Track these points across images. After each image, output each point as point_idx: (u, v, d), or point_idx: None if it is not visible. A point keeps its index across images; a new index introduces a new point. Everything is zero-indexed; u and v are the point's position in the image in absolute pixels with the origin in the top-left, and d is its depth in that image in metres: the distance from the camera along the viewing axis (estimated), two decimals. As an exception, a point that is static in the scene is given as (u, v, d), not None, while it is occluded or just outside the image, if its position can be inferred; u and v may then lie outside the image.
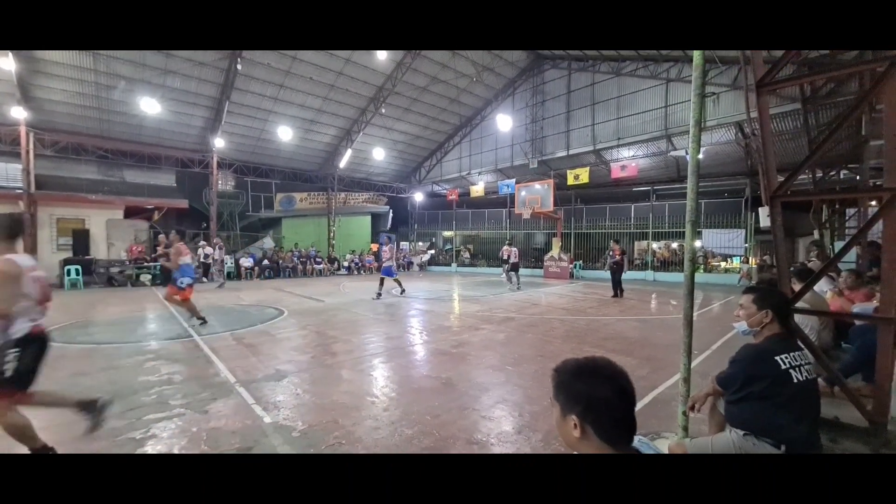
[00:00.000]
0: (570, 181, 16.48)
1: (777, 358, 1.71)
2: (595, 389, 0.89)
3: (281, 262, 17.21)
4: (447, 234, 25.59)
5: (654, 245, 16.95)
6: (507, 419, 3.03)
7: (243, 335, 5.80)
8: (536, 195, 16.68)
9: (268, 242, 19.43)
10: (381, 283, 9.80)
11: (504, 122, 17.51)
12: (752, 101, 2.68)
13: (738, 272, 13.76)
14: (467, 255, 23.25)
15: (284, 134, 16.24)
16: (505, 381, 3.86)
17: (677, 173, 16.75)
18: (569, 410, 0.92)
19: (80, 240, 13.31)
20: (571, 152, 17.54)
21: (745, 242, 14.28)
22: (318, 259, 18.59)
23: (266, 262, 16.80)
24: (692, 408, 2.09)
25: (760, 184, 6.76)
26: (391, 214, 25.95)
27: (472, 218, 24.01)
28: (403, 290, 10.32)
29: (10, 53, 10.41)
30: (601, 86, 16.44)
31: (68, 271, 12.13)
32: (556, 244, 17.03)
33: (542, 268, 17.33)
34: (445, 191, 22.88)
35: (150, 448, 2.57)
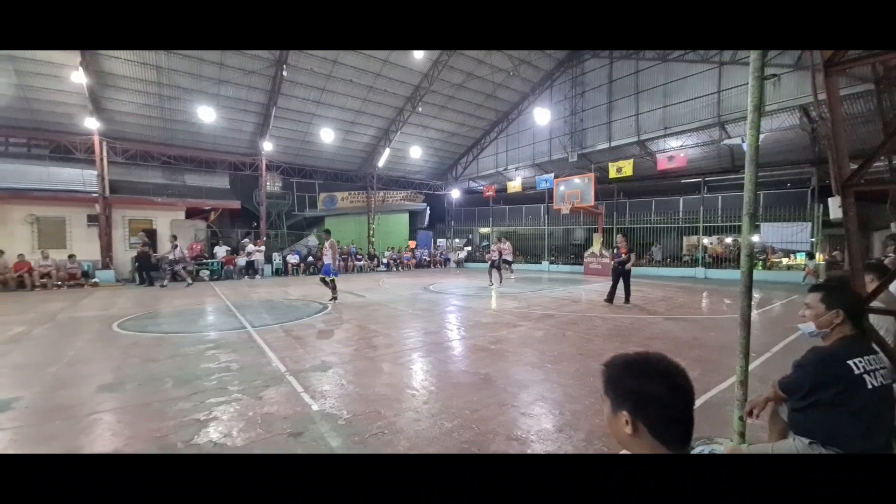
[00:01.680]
0: (612, 174, 15.85)
1: (849, 362, 1.58)
2: (647, 385, 0.86)
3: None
4: (484, 230, 25.47)
5: (706, 240, 15.93)
6: (547, 417, 3.00)
7: (291, 327, 6.12)
8: (576, 189, 16.20)
9: (312, 240, 20.30)
10: (328, 284, 8.63)
11: (542, 115, 17.12)
12: (819, 82, 2.46)
13: (804, 269, 12.62)
14: (504, 251, 23.02)
15: (326, 136, 16.88)
16: (544, 378, 3.81)
17: (731, 163, 15.63)
18: (620, 406, 0.89)
19: (149, 238, 14.57)
20: (613, 144, 16.85)
21: (812, 237, 13.04)
22: (358, 256, 19.19)
23: (310, 258, 17.58)
24: (750, 413, 1.97)
25: (830, 172, 6.15)
26: (428, 212, 26.23)
27: (509, 214, 23.77)
28: (335, 298, 8.51)
29: (80, 68, 11.54)
30: (646, 73, 15.63)
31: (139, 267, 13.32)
32: (598, 240, 16.45)
33: (582, 264, 16.82)
34: (482, 187, 22.78)
35: (213, 429, 2.79)
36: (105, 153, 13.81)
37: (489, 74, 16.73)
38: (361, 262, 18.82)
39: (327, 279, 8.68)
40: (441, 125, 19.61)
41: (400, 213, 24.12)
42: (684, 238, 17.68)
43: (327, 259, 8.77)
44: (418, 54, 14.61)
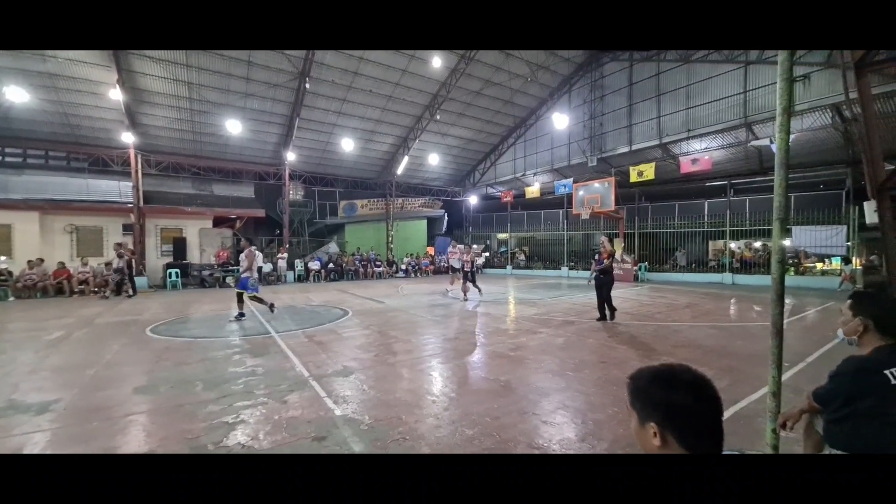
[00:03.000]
0: (634, 178, 15.56)
1: (886, 372, 1.51)
2: (674, 396, 0.86)
3: (344, 265, 18.23)
4: (502, 236, 25.37)
5: (733, 245, 15.40)
6: (568, 426, 2.96)
7: (314, 333, 6.25)
8: (596, 194, 15.97)
9: (333, 247, 20.67)
10: (240, 300, 7.56)
11: (560, 120, 17.02)
12: (850, 80, 2.38)
13: (839, 275, 12.02)
14: (523, 257, 22.87)
15: (347, 145, 17.26)
16: (565, 386, 3.76)
17: (759, 165, 15.10)
18: (647, 418, 0.89)
19: (179, 246, 15.18)
20: (634, 147, 16.56)
21: (848, 240, 12.43)
22: (377, 262, 19.42)
23: (331, 265, 17.91)
24: (783, 425, 1.90)
25: (865, 174, 5.90)
26: (446, 218, 26.32)
27: (527, 220, 23.59)
28: (242, 315, 7.46)
29: (117, 85, 12.19)
30: (667, 75, 15.35)
31: (170, 274, 13.91)
32: (619, 245, 16.16)
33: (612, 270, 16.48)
34: (500, 193, 22.73)
35: (240, 432, 2.88)
36: (140, 165, 14.50)
37: (507, 81, 16.77)
38: (380, 269, 19.03)
39: (245, 294, 7.49)
40: (459, 132, 19.74)
41: (418, 220, 24.31)
42: (710, 243, 17.15)
43: (244, 271, 7.50)
44: (436, 63, 14.80)
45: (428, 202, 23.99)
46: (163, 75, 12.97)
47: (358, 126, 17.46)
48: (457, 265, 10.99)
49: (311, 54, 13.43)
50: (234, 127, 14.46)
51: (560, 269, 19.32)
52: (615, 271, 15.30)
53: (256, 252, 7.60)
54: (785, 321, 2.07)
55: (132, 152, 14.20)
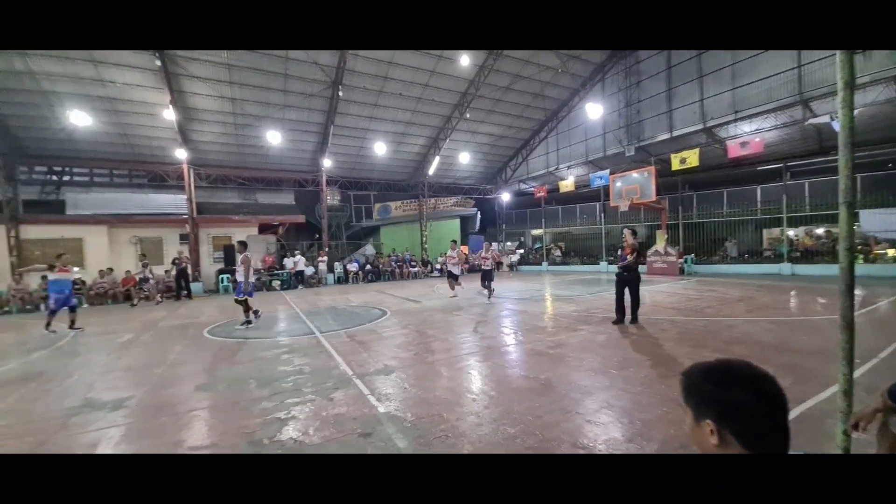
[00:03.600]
0: (676, 166, 14.77)
1: None
2: (731, 393, 0.81)
3: (381, 266, 18.66)
4: (536, 232, 24.93)
5: (790, 232, 14.24)
6: (614, 425, 2.88)
7: (355, 333, 6.45)
8: (635, 185, 15.34)
9: (369, 249, 21.23)
10: (246, 306, 7.53)
11: (594, 110, 16.48)
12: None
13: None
14: (559, 253, 22.36)
15: (379, 148, 17.64)
16: (609, 385, 3.66)
17: (818, 144, 13.90)
18: (703, 415, 0.85)
19: (229, 253, 16.15)
20: (675, 134, 15.72)
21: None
22: (412, 263, 19.70)
23: (368, 266, 18.39)
24: (855, 426, 1.75)
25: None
26: (479, 216, 26.25)
27: (562, 214, 23.05)
28: (249, 322, 7.51)
29: (170, 106, 13.13)
30: (709, 55, 14.43)
31: (221, 279, 14.86)
32: (661, 237, 15.41)
33: (644, 263, 15.80)
34: (532, 188, 22.37)
35: (292, 427, 3.04)
36: (192, 179, 15.57)
37: (536, 74, 16.46)
38: (416, 269, 19.30)
39: (239, 300, 7.52)
40: (489, 129, 19.61)
41: (451, 219, 24.41)
42: (764, 231, 15.95)
43: (239, 276, 7.48)
44: (464, 61, 14.78)
45: (460, 201, 24.03)
46: (209, 93, 13.85)
47: (389, 129, 17.79)
48: (456, 271, 10.48)
49: (342, 63, 13.84)
50: (273, 138, 15.20)
51: (598, 263, 18.72)
52: (658, 264, 14.79)
53: (251, 258, 7.71)
54: (855, 314, 1.91)
55: (185, 167, 15.26)
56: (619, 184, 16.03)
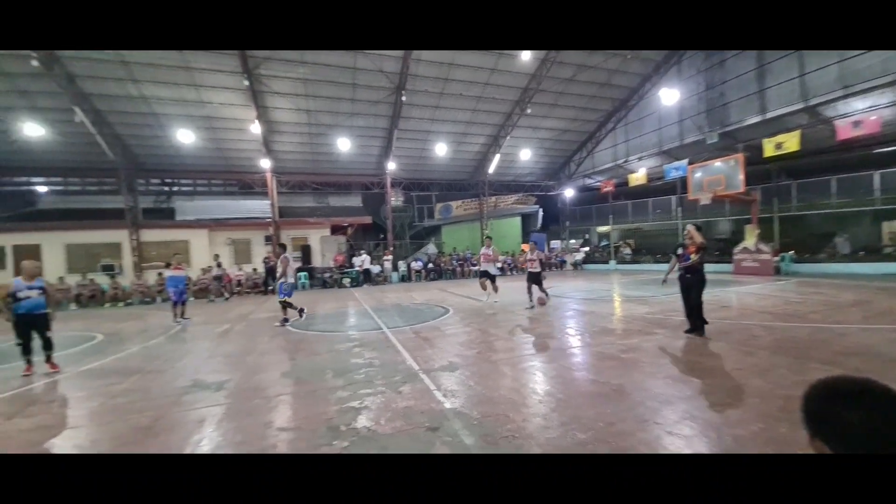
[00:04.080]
0: (769, 152, 13.08)
1: None
2: (880, 423, 0.68)
3: (442, 264, 19.01)
4: (602, 229, 23.66)
5: (925, 225, 11.92)
6: (699, 439, 2.65)
7: (420, 329, 6.67)
8: (718, 175, 13.88)
9: (431, 248, 21.73)
10: (286, 308, 7.76)
11: (669, 96, 15.23)
12: None
13: None
14: (628, 250, 21.00)
15: (440, 149, 18.01)
16: (691, 394, 3.38)
17: (965, 119, 11.42)
18: (824, 440, 0.73)
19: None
20: (769, 115, 13.96)
21: None
22: (473, 261, 19.77)
23: (430, 265, 18.83)
24: None
25: None
26: (541, 213, 25.56)
27: (632, 209, 21.59)
28: (287, 320, 7.77)
29: (256, 121, 14.57)
30: (814, 22, 12.53)
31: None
32: (752, 232, 13.76)
33: (730, 262, 14.26)
34: (599, 183, 21.25)
35: (365, 417, 3.23)
36: (274, 186, 17.19)
37: (602, 62, 15.61)
38: (476, 267, 19.34)
39: (285, 300, 7.71)
40: (551, 123, 19.00)
41: (512, 217, 24.08)
42: (884, 224, 13.53)
43: (279, 277, 7.73)
44: (525, 56, 14.49)
45: (521, 198, 23.60)
46: (288, 107, 15.17)
47: (450, 130, 18.04)
48: (493, 271, 9.04)
49: (405, 68, 14.31)
50: (343, 144, 16.29)
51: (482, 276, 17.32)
52: (747, 263, 13.24)
53: (290, 258, 7.93)
54: None
55: (268, 175, 16.89)
56: (699, 174, 14.63)
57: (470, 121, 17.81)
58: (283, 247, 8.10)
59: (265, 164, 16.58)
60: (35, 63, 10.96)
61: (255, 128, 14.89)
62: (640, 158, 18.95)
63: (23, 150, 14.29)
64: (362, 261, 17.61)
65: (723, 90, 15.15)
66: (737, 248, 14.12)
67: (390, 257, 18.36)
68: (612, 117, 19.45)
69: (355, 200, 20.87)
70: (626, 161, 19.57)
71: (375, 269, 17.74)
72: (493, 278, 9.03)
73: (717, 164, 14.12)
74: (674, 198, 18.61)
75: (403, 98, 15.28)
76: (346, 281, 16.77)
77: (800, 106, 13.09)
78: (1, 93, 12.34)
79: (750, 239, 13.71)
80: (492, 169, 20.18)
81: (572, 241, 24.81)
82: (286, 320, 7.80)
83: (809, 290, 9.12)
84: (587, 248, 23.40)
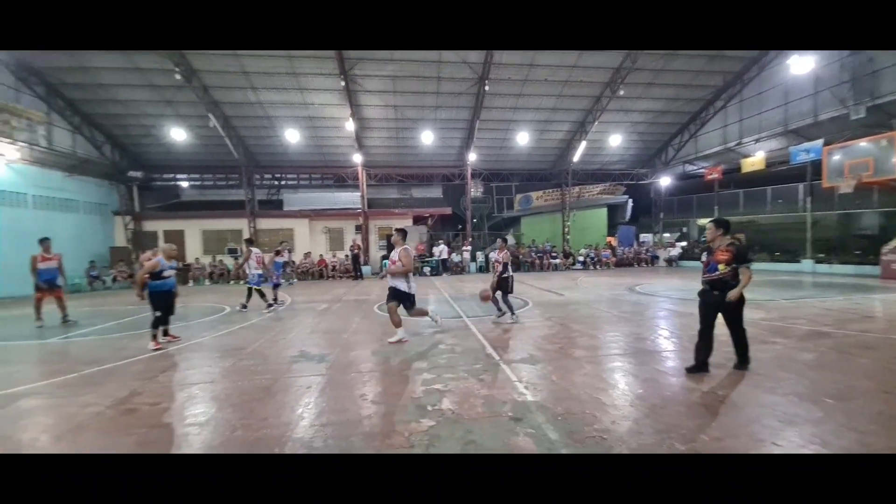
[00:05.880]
0: (947, 128, 10.36)
1: None
2: None
3: (521, 257, 18.67)
4: (704, 221, 21.01)
5: None
6: (830, 467, 2.29)
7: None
8: (864, 158, 11.43)
9: (510, 239, 21.46)
10: (270, 294, 8.76)
11: (801, 64, 12.83)
12: None
13: None
14: (738, 247, 18.38)
15: (522, 139, 17.62)
16: (823, 416, 2.90)
17: None
18: None
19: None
20: (946, 82, 11.00)
21: None
22: (553, 254, 19.11)
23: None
24: None
25: None
26: (630, 204, 23.66)
27: (743, 199, 18.82)
28: (272, 305, 8.58)
29: (350, 118, 15.68)
30: None
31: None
32: (914, 229, 11.10)
33: (876, 264, 11.73)
34: (702, 170, 18.91)
35: (448, 400, 3.38)
36: (364, 178, 18.46)
37: (714, 32, 13.68)
38: (557, 261, 18.66)
39: (254, 288, 8.58)
40: (646, 105, 17.31)
41: (597, 208, 22.63)
42: None
43: (249, 267, 8.59)
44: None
45: (608, 188, 22.01)
46: (377, 104, 16.07)
47: (533, 118, 17.49)
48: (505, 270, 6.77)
49: (489, 57, 14.16)
50: (426, 137, 16.78)
51: (799, 261, 14.71)
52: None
53: (255, 251, 8.77)
54: None
55: (360, 168, 18.18)
56: (837, 157, 12.20)
57: (554, 107, 17.03)
58: (250, 241, 9.25)
59: (357, 158, 17.83)
60: (178, 77, 13.12)
61: (350, 125, 16.06)
62: (756, 140, 16.37)
63: (170, 152, 17.34)
64: (441, 250, 18.09)
65: (872, 55, 12.29)
66: (886, 248, 11.55)
67: (469, 247, 18.57)
68: (723, 94, 17.03)
69: (436, 191, 21.43)
70: (738, 144, 17.06)
71: (455, 258, 18.11)
72: (509, 286, 6.76)
73: (864, 143, 11.62)
74: (801, 185, 15.77)
75: (486, 88, 15.16)
76: (427, 269, 17.41)
77: None
78: (154, 102, 15.04)
79: (909, 237, 11.09)
80: (576, 157, 19.12)
81: (666, 234, 22.51)
82: (244, 306, 8.49)
83: None
84: (684, 243, 21.05)
